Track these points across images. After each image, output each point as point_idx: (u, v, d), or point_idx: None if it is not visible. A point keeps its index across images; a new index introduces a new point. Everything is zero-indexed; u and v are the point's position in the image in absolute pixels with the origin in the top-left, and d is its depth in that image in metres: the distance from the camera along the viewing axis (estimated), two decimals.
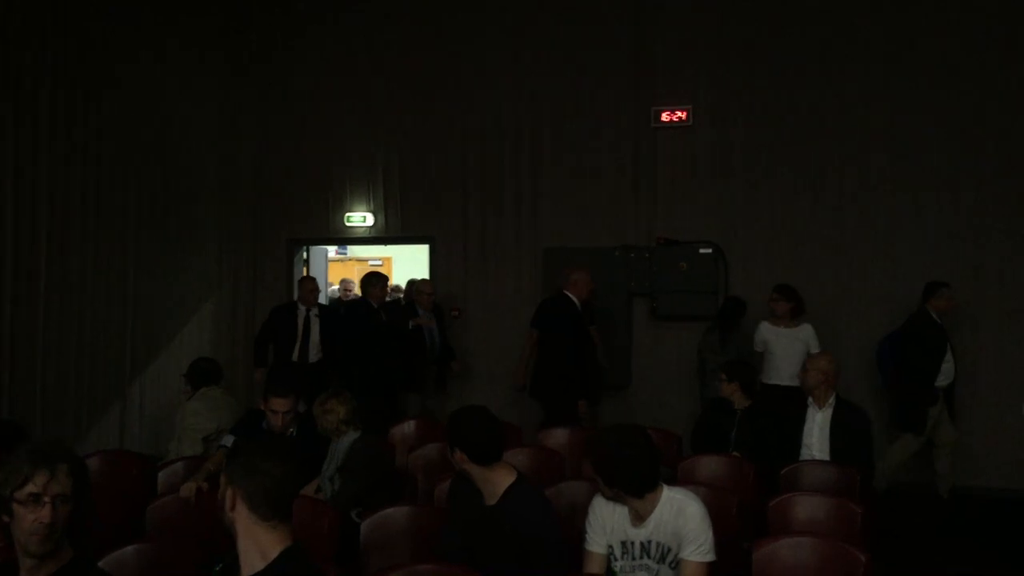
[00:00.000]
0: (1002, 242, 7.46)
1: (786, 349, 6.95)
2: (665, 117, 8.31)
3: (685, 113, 8.27)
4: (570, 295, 7.04)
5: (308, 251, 9.91)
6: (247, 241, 9.51)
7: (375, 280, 7.81)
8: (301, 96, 9.41)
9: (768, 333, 7.12)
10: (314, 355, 7.77)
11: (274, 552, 2.37)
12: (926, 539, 6.18)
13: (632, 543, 3.31)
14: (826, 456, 4.96)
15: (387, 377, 7.47)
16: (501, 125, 8.80)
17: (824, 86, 7.95)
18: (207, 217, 9.14)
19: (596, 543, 3.37)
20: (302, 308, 7.83)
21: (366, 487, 4.38)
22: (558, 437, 5.61)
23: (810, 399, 5.18)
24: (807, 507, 4.04)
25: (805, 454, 5.04)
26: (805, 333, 7.02)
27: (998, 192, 7.48)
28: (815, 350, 6.62)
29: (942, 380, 6.89)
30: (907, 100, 7.72)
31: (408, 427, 5.97)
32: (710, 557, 3.20)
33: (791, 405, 5.40)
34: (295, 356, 7.69)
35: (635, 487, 3.25)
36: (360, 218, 9.25)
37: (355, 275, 11.81)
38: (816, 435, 5.09)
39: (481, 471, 3.45)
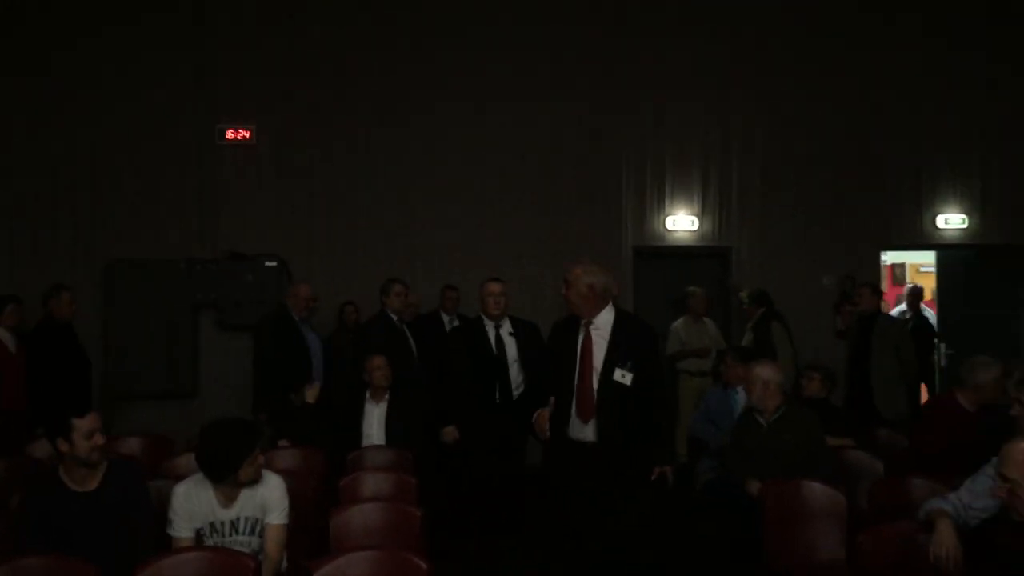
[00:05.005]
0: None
1: None
2: (230, 135, 8.65)
3: (249, 132, 8.68)
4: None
5: None
6: None
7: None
8: None
9: None
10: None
11: None
12: None
13: (222, 523, 3.69)
14: (383, 441, 5.74)
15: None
16: (62, 133, 8.47)
17: (380, 106, 8.85)
18: None
19: (182, 528, 3.66)
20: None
21: None
22: (132, 445, 5.73)
23: (368, 394, 5.92)
24: (371, 482, 4.73)
25: (367, 441, 5.77)
26: None
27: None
28: None
29: None
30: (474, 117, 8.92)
31: None
32: (287, 520, 3.74)
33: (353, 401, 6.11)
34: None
35: (222, 473, 3.63)
36: None
37: None
38: (375, 426, 5.85)
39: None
